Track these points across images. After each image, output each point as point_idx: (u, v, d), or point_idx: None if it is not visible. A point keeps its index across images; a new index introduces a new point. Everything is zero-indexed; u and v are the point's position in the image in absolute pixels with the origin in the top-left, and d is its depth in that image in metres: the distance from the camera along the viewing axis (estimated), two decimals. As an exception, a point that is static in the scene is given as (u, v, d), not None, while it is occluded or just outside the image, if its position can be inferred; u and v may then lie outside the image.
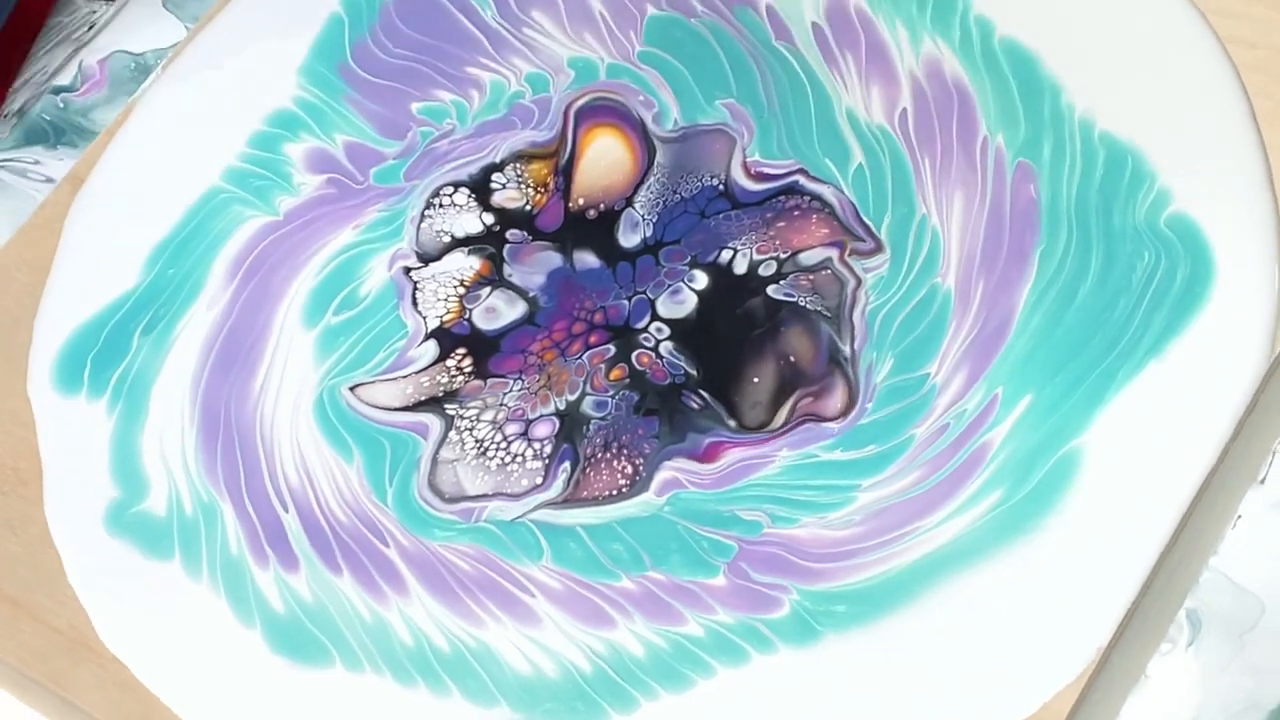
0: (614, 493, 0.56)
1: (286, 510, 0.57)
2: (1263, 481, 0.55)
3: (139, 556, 0.57)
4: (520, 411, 0.58)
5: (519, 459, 0.57)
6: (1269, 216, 0.56)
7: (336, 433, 0.59)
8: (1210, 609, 0.53)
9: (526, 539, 0.56)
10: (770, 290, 0.59)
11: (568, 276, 0.61)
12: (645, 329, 0.59)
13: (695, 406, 0.57)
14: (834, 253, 0.59)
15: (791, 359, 0.57)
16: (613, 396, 0.58)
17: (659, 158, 0.62)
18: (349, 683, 0.54)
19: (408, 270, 0.62)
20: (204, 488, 0.58)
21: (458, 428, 0.58)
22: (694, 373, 0.58)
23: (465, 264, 0.62)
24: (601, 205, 0.62)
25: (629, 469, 0.56)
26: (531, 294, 0.61)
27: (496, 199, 0.63)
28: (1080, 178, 0.58)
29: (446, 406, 0.59)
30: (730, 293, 0.59)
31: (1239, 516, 0.55)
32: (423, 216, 0.63)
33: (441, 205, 0.63)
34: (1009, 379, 0.55)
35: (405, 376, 0.60)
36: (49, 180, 0.70)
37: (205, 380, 0.61)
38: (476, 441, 0.58)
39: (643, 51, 0.64)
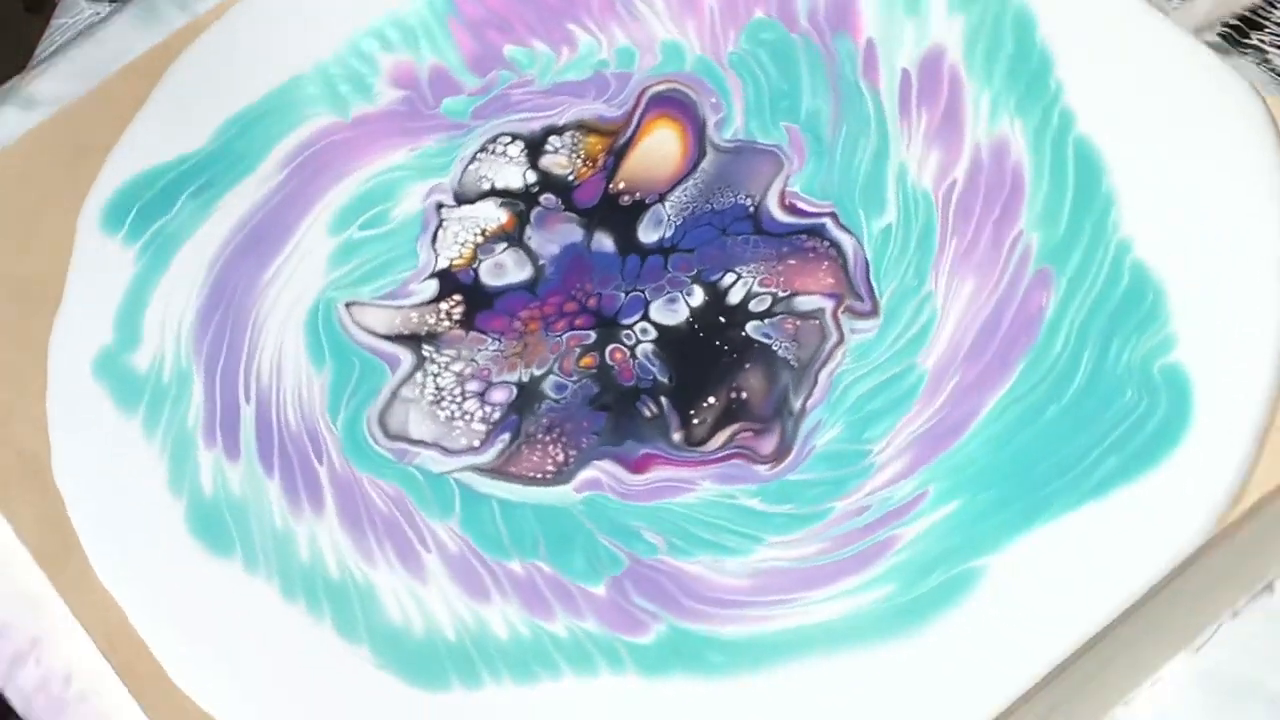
0: (539, 475, 0.57)
1: (248, 402, 0.60)
2: (1198, 650, 0.53)
3: (110, 405, 0.60)
4: (486, 371, 0.59)
5: (466, 417, 0.58)
6: (1266, 393, 0.53)
7: (318, 342, 0.61)
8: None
9: (444, 495, 0.57)
10: (750, 326, 0.58)
11: (580, 255, 0.61)
12: (630, 327, 0.59)
13: (646, 414, 0.57)
14: (830, 304, 0.58)
15: (743, 395, 0.57)
16: (574, 382, 0.58)
17: (705, 163, 0.62)
18: (241, 581, 0.56)
19: (440, 206, 0.63)
20: (187, 358, 0.61)
21: (425, 369, 0.60)
22: (664, 380, 0.57)
23: (493, 214, 0.63)
24: (637, 194, 0.62)
25: (560, 457, 0.57)
26: (541, 262, 0.61)
27: (545, 161, 0.64)
28: (1096, 297, 0.56)
29: (424, 346, 0.60)
30: (718, 317, 0.59)
31: (1158, 678, 0.52)
32: (474, 158, 0.64)
33: (494, 152, 0.64)
34: (946, 479, 0.54)
35: (398, 307, 0.61)
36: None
37: (225, 257, 0.63)
38: (437, 389, 0.59)
39: (734, 53, 0.64)
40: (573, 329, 0.60)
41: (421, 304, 0.61)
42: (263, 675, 0.54)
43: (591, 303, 0.60)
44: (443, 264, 0.62)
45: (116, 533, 0.58)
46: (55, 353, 0.62)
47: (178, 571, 0.57)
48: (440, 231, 0.63)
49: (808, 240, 0.59)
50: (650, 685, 0.52)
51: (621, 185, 0.62)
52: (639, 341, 0.59)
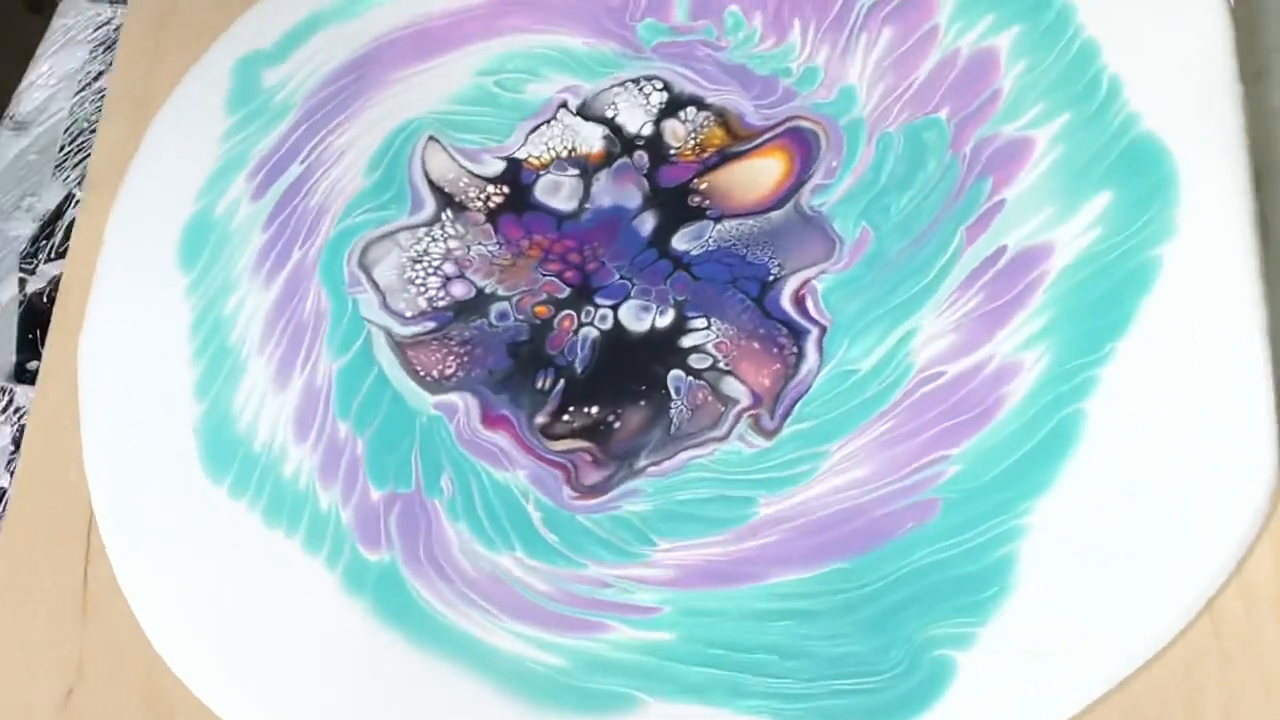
0: (422, 373, 0.59)
1: (301, 162, 0.65)
2: None
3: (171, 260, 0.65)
4: (468, 264, 0.61)
5: (419, 288, 0.61)
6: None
7: (386, 151, 0.65)
8: None
9: (350, 339, 0.60)
10: (673, 374, 0.57)
11: (618, 221, 0.62)
12: (597, 306, 0.60)
13: (537, 385, 0.58)
14: (749, 404, 0.56)
15: (615, 424, 0.57)
16: (517, 320, 0.60)
17: (777, 214, 0.60)
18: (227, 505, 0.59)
19: (562, 105, 0.64)
20: (301, 97, 0.66)
21: (431, 230, 0.62)
22: (577, 369, 0.58)
23: (592, 140, 0.63)
24: (708, 202, 0.61)
25: (448, 371, 0.59)
26: (587, 205, 0.62)
27: (668, 124, 0.63)
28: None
29: (447, 210, 0.63)
30: (664, 348, 0.58)
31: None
32: (623, 85, 0.65)
33: (638, 89, 0.64)
34: (684, 606, 0.53)
35: (461, 166, 0.64)
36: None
37: (393, 37, 0.67)
38: (422, 250, 0.62)
39: (888, 133, 0.61)
40: (558, 277, 0.60)
41: (478, 176, 0.63)
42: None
43: (590, 266, 0.61)
44: (520, 154, 0.63)
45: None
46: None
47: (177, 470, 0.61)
48: (544, 126, 0.64)
49: (782, 335, 0.57)
50: (345, 599, 0.54)
51: (703, 186, 0.61)
52: (591, 323, 0.59)
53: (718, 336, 0.58)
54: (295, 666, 0.53)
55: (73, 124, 0.75)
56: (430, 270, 0.61)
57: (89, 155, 0.71)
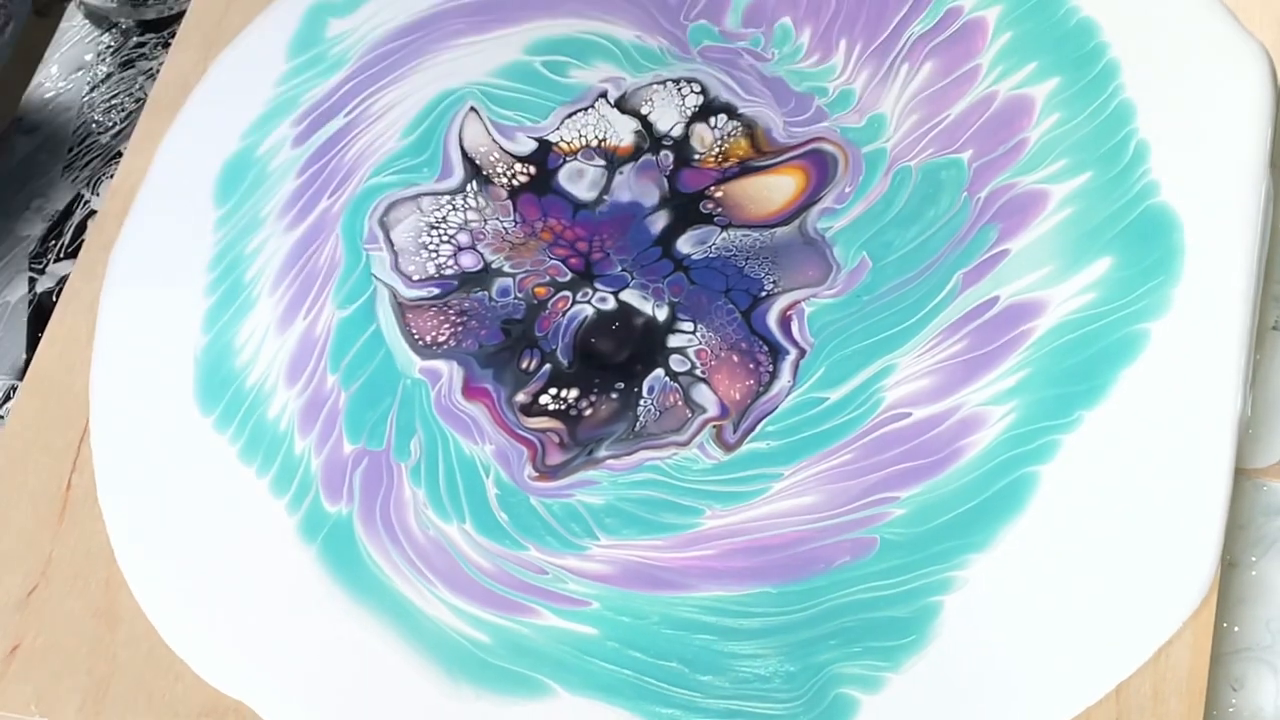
0: (417, 336, 0.61)
1: (345, 116, 0.67)
2: None
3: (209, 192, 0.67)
4: (480, 237, 0.63)
5: (429, 253, 0.63)
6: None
7: (426, 116, 0.66)
8: None
9: (356, 292, 0.63)
10: (653, 374, 0.59)
11: (630, 217, 0.63)
12: (595, 290, 0.61)
13: (523, 364, 0.59)
14: (715, 415, 0.57)
15: (585, 411, 0.58)
16: (516, 298, 0.61)
17: (782, 231, 0.61)
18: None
19: (601, 95, 0.66)
20: (352, 58, 0.69)
21: (454, 198, 0.64)
22: (564, 361, 0.60)
23: (624, 133, 0.65)
24: (719, 210, 0.62)
25: (442, 337, 0.61)
26: (605, 198, 0.63)
27: (698, 128, 0.64)
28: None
29: (473, 182, 0.64)
30: (651, 345, 0.59)
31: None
32: (663, 84, 0.65)
33: (676, 89, 0.65)
34: (611, 602, 0.54)
35: (495, 141, 0.65)
36: None
37: (436, 14, 0.70)
38: (441, 218, 0.64)
39: (905, 166, 0.61)
40: (564, 262, 0.62)
41: (508, 152, 0.65)
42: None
43: (595, 255, 0.62)
44: (553, 137, 0.65)
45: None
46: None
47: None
48: (580, 114, 0.65)
49: (760, 351, 0.58)
50: (298, 545, 0.57)
51: (718, 194, 0.62)
52: (588, 303, 0.60)
53: (700, 343, 0.59)
54: (241, 601, 0.56)
55: (81, 125, 0.77)
56: (445, 238, 0.63)
57: (97, 156, 0.73)
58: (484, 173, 0.64)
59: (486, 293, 0.61)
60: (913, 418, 0.55)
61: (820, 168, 0.62)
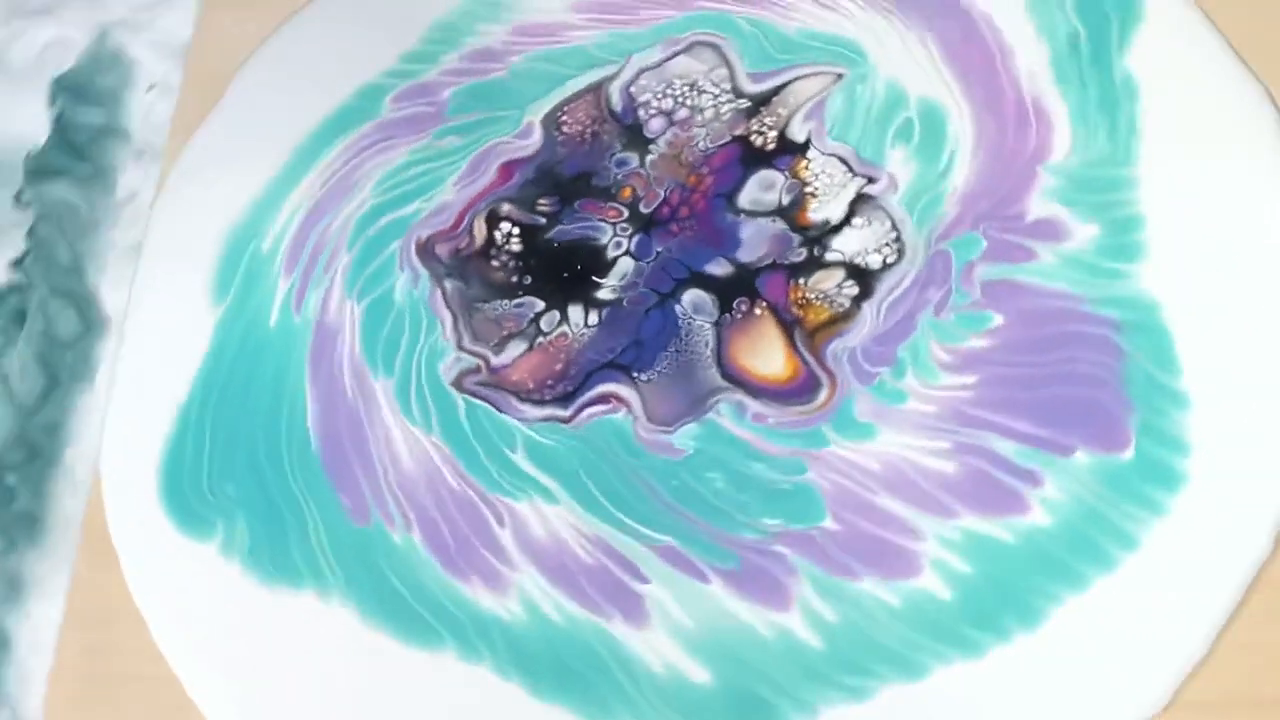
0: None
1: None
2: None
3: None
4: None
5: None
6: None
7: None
8: None
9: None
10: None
11: (728, 236, 0.62)
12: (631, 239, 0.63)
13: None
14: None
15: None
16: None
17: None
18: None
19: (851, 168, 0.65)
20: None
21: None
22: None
23: (835, 208, 0.63)
24: (738, 316, 0.61)
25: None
26: (744, 214, 0.63)
27: (835, 240, 0.62)
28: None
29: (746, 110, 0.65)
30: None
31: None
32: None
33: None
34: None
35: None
36: None
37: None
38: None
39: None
40: (652, 207, 0.63)
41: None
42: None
43: (674, 228, 0.63)
44: (800, 136, 0.65)
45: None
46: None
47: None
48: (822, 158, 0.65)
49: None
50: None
51: (757, 312, 0.61)
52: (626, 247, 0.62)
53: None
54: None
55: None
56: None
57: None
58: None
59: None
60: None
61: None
